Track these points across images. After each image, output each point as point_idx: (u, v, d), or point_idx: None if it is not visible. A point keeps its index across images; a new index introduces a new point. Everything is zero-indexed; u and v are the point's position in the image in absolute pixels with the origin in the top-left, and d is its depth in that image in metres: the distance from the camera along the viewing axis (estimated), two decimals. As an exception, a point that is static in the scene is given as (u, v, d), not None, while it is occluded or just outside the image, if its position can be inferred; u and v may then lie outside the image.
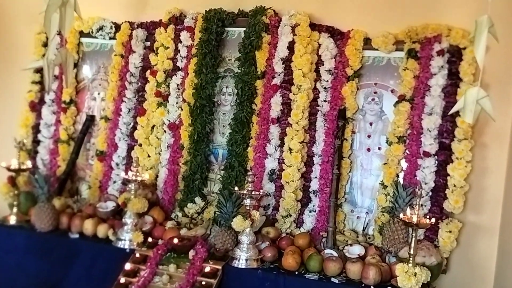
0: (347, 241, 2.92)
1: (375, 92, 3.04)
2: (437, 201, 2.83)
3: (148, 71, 3.45)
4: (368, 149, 3.05)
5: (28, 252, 3.07)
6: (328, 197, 2.98)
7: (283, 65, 3.09)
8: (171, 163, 3.35)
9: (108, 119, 3.54)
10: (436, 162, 2.82)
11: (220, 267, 2.68)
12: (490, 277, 2.83)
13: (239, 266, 2.71)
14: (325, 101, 3.07)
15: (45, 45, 3.55)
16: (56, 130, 3.69)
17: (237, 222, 2.69)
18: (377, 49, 2.99)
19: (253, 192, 2.85)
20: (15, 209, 3.30)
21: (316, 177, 3.08)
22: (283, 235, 3.03)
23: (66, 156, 3.62)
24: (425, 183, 2.80)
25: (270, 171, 3.12)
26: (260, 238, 2.87)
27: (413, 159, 2.86)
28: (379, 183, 2.97)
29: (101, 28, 3.58)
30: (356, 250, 2.78)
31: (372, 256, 2.74)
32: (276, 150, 3.11)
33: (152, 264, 2.73)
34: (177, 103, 3.37)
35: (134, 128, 3.49)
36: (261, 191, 3.00)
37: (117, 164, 3.51)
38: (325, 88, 3.08)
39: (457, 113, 2.62)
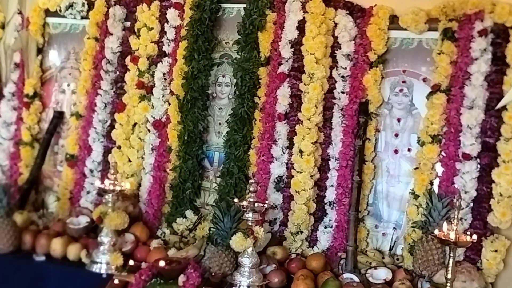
0: (370, 263, 2.92)
1: (404, 82, 3.05)
2: (479, 214, 2.84)
3: (128, 58, 3.46)
4: (396, 151, 3.06)
5: (-16, 277, 3.07)
6: (347, 209, 2.99)
7: (292, 49, 3.10)
8: (157, 169, 3.36)
9: (80, 116, 3.55)
10: (479, 166, 2.82)
11: (216, 296, 2.69)
12: (544, 306, 2.83)
13: (240, 294, 2.72)
14: (342, 92, 3.08)
15: (2, 26, 3.57)
16: (17, 130, 3.70)
17: (237, 241, 2.68)
18: (405, 29, 3.00)
19: (256, 204, 2.85)
20: (-32, 226, 3.30)
21: (332, 186, 3.09)
22: (293, 256, 3.04)
23: (29, 161, 3.64)
24: (465, 192, 2.81)
25: (276, 178, 3.13)
26: (264, 260, 2.87)
27: (451, 163, 2.86)
28: (409, 192, 2.98)
29: (71, 6, 3.58)
30: (381, 274, 2.79)
31: (401, 281, 2.75)
32: (284, 153, 3.12)
33: (134, 292, 2.73)
34: (163, 96, 3.38)
35: (112, 126, 3.50)
36: (265, 202, 2.99)
37: (91, 171, 3.52)
38: (342, 76, 3.08)
39: (504, 107, 2.65)
